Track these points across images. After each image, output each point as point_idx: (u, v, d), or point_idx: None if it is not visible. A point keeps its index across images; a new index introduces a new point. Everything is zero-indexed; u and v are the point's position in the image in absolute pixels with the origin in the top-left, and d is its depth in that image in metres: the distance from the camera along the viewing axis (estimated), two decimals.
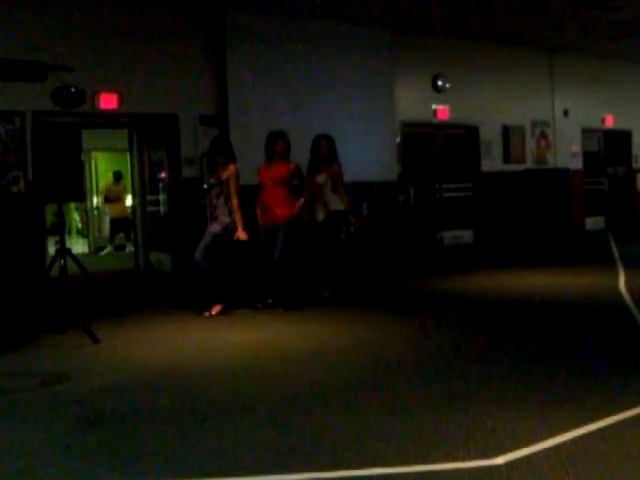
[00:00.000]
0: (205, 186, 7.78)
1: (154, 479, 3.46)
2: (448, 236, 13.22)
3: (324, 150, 8.40)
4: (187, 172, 10.30)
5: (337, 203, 8.40)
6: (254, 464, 3.58)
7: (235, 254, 7.75)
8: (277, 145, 7.97)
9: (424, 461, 3.52)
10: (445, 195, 13.34)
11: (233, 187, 7.57)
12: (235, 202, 7.56)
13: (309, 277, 8.53)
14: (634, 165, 17.18)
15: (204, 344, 6.41)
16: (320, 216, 8.38)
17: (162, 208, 11.11)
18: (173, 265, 10.47)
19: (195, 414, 4.41)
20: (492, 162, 14.01)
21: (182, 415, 4.41)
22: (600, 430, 3.84)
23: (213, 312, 7.54)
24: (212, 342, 6.47)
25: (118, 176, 15.18)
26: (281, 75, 10.83)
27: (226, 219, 7.57)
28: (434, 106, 12.99)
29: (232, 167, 7.63)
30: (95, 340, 6.33)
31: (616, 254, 11.83)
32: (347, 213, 8.47)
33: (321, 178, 8.35)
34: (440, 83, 13.00)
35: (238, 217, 7.56)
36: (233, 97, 10.46)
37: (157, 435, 4.06)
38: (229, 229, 7.56)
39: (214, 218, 7.64)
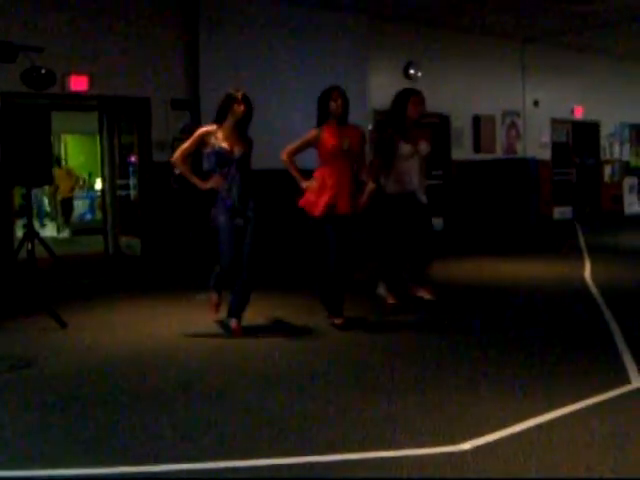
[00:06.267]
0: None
1: (120, 464, 3.45)
2: None
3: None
4: (158, 156, 10.22)
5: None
6: (220, 450, 3.59)
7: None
8: (333, 101, 6.03)
9: (389, 447, 3.55)
10: None
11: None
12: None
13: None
14: (602, 156, 17.40)
15: (172, 329, 6.38)
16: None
17: (132, 192, 11.03)
18: (142, 249, 10.42)
19: (162, 400, 4.40)
20: (462, 151, 14.11)
21: (149, 400, 4.40)
22: (564, 417, 3.90)
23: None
24: (181, 327, 6.44)
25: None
26: (254, 60, 10.77)
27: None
28: None
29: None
30: (62, 324, 6.29)
31: (582, 244, 11.99)
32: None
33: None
34: (412, 71, 13.04)
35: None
36: (205, 81, 10.39)
37: (123, 420, 4.04)
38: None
39: None
